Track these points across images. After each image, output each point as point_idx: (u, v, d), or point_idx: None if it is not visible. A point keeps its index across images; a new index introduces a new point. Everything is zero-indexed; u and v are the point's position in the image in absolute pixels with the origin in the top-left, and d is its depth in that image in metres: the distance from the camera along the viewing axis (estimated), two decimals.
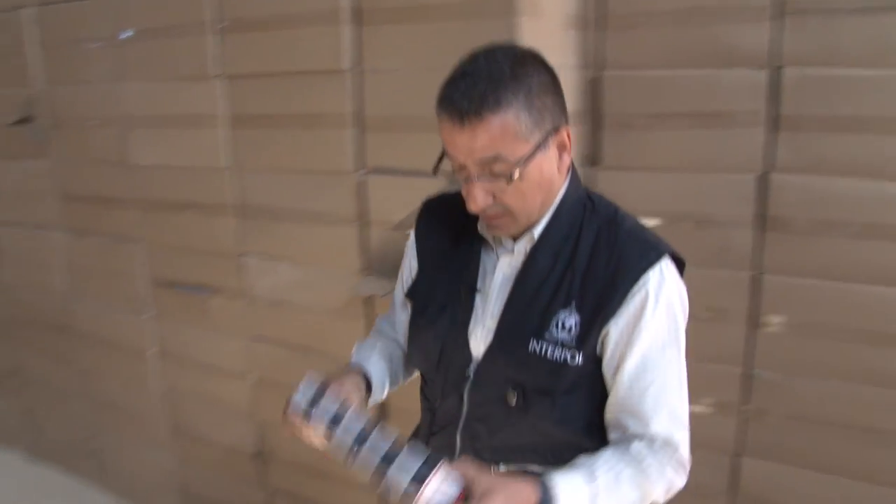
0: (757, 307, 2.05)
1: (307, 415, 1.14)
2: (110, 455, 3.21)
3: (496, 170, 1.08)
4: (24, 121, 2.96)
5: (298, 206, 2.27)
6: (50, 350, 3.27)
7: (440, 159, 1.17)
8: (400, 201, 2.01)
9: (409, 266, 1.40)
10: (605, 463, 1.13)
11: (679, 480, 1.20)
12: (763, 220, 2.00)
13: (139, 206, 2.69)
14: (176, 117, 2.48)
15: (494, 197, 1.12)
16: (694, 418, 2.13)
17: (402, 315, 1.42)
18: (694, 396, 2.12)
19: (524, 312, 1.18)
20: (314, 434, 1.14)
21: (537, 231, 1.20)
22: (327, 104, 2.12)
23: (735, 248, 2.05)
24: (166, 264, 2.70)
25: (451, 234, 1.32)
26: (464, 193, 1.15)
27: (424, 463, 1.00)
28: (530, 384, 1.16)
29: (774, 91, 1.92)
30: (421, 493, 0.97)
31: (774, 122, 1.94)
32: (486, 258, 1.27)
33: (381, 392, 1.38)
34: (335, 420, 1.10)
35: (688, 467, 1.22)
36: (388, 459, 1.02)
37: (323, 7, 2.04)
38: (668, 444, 1.17)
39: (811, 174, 1.93)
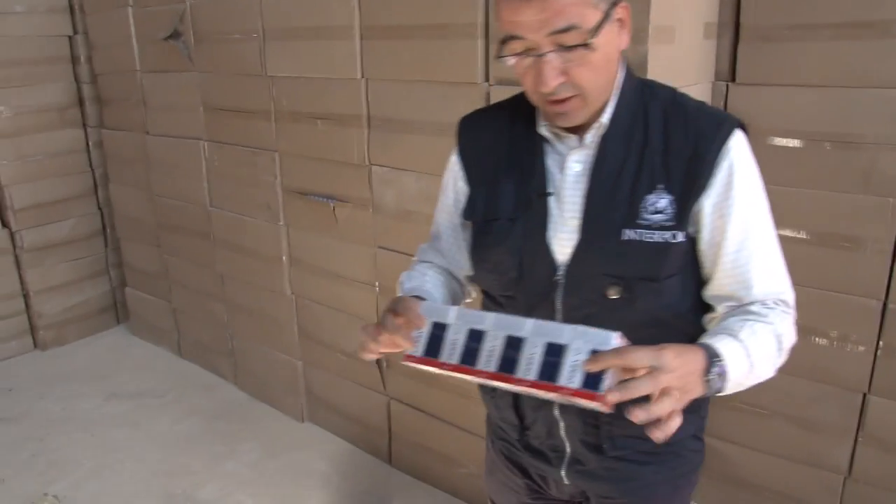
0: None
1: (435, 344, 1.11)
2: (243, 356, 3.41)
3: (569, 40, 1.05)
4: (174, 35, 3.11)
5: (426, 118, 2.28)
6: (193, 254, 3.49)
7: (502, 45, 1.11)
8: None
9: (455, 188, 1.35)
10: (736, 323, 1.12)
11: (794, 336, 1.18)
12: None
13: (274, 117, 2.79)
14: (312, 29, 2.54)
15: (566, 75, 1.08)
16: (823, 351, 2.06)
17: (450, 240, 1.39)
18: (823, 328, 2.05)
19: (609, 203, 1.15)
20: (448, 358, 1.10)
21: (606, 117, 1.16)
22: (456, 14, 2.11)
23: (882, 174, 1.91)
24: (299, 174, 2.80)
25: (502, 144, 1.28)
26: (528, 83, 1.11)
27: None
28: (632, 273, 1.13)
29: None
30: (618, 342, 0.96)
31: None
32: (549, 160, 1.22)
33: None
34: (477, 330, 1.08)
35: (796, 324, 1.20)
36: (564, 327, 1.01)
37: None
38: (781, 301, 1.17)
39: None
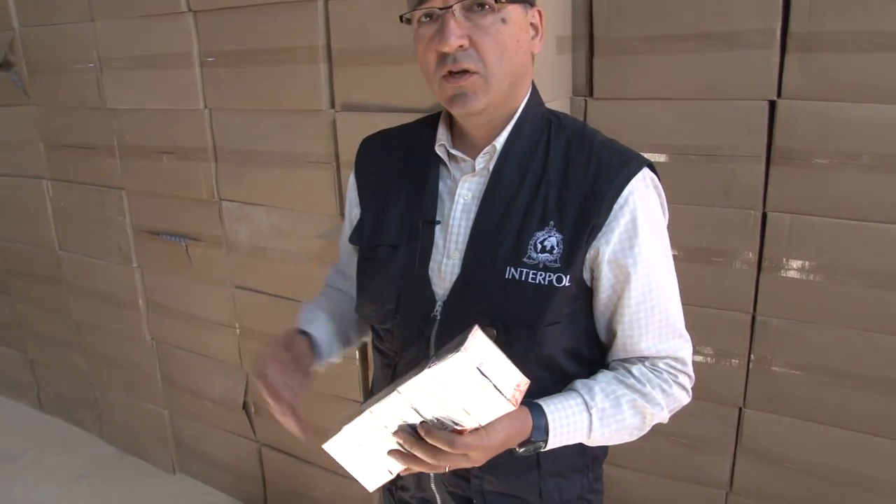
0: (764, 249, 1.89)
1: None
2: (107, 407, 3.17)
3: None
4: (4, 66, 2.85)
5: (272, 149, 2.14)
6: (46, 301, 3.22)
7: (409, 16, 1.05)
8: None
9: (350, 211, 1.28)
10: (606, 387, 1.07)
11: (685, 397, 1.15)
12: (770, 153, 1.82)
13: (119, 153, 2.59)
14: (149, 58, 2.35)
15: (471, 41, 0.99)
16: (699, 367, 2.01)
17: (350, 264, 1.29)
18: (698, 344, 2.00)
19: (494, 236, 1.06)
20: None
21: (499, 142, 1.08)
22: (297, 37, 1.97)
23: (742, 184, 1.87)
24: (148, 212, 2.61)
25: (396, 166, 1.19)
26: (429, 59, 1.02)
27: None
28: (511, 315, 1.03)
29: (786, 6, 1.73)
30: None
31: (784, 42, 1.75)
32: (441, 187, 1.14)
33: (330, 354, 1.26)
34: None
35: (692, 381, 1.16)
36: None
37: None
38: (677, 361, 1.13)
39: (823, 100, 1.74)
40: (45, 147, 2.88)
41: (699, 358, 2.03)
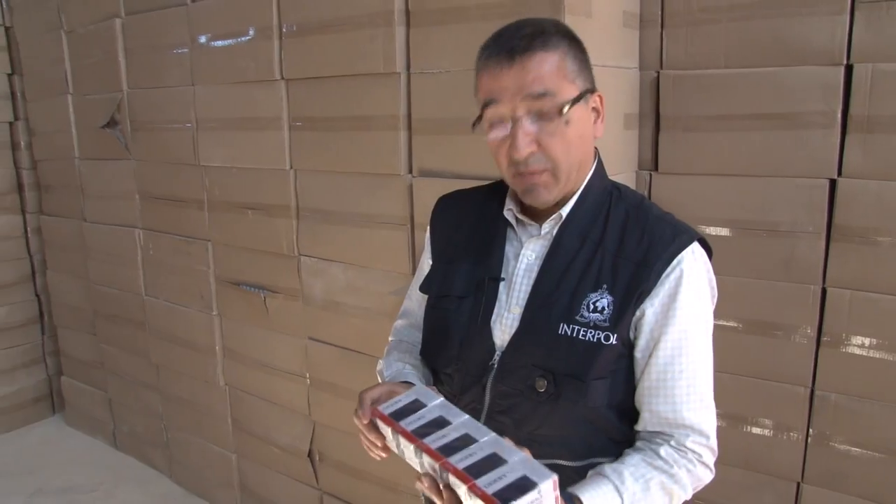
0: (823, 324, 1.91)
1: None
2: (178, 448, 3.30)
3: (544, 107, 1.08)
4: (111, 124, 3.09)
5: (351, 209, 2.27)
6: (129, 343, 3.39)
7: (479, 117, 1.15)
8: None
9: (426, 263, 1.38)
10: (635, 471, 1.11)
11: (708, 475, 1.17)
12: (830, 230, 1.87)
13: (207, 206, 2.77)
14: (242, 120, 2.54)
15: (539, 145, 1.10)
16: (756, 439, 2.02)
17: (421, 311, 1.39)
18: (755, 416, 2.02)
19: (552, 295, 1.15)
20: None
21: (566, 210, 1.18)
22: (380, 106, 2.12)
23: (801, 260, 1.92)
24: (231, 263, 2.76)
25: (468, 225, 1.30)
26: (502, 156, 1.13)
27: None
28: (561, 369, 1.12)
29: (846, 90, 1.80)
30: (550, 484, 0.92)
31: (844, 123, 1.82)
32: (508, 248, 1.24)
33: None
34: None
35: (715, 456, 1.18)
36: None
37: (376, 9, 2.04)
38: (702, 436, 1.15)
39: (883, 179, 1.79)
40: (140, 198, 3.09)
41: (757, 430, 2.05)
